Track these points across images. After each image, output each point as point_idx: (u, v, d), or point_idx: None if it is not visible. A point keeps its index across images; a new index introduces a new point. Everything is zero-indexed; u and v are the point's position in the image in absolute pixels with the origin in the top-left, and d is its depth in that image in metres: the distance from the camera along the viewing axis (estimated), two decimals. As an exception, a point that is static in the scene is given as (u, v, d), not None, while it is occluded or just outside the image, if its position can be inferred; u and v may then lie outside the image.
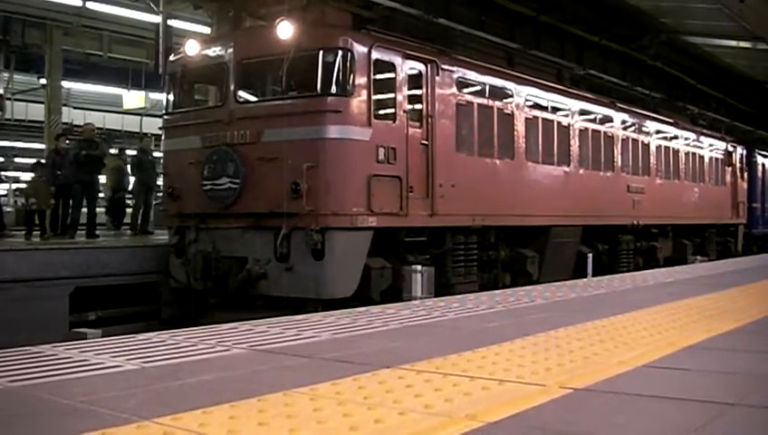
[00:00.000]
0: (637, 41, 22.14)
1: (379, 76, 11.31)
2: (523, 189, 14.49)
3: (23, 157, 40.83)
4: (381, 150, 11.11)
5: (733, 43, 22.56)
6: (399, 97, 11.63)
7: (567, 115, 16.24)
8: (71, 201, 15.75)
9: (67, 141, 17.19)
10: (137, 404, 3.71)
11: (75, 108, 31.41)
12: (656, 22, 21.26)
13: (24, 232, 15.54)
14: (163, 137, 13.33)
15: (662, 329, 6.10)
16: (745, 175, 26.76)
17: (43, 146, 26.45)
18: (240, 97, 11.82)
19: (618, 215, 17.92)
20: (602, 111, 17.94)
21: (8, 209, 24.10)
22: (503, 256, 14.22)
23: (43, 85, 25.71)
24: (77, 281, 11.58)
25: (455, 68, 12.89)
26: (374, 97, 11.10)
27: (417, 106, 12.10)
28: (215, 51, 12.23)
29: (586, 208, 16.50)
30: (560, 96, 16.32)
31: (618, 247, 18.14)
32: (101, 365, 4.68)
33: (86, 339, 6.99)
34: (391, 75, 11.58)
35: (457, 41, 15.68)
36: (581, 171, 16.54)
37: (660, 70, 24.58)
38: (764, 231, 29.50)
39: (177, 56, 12.91)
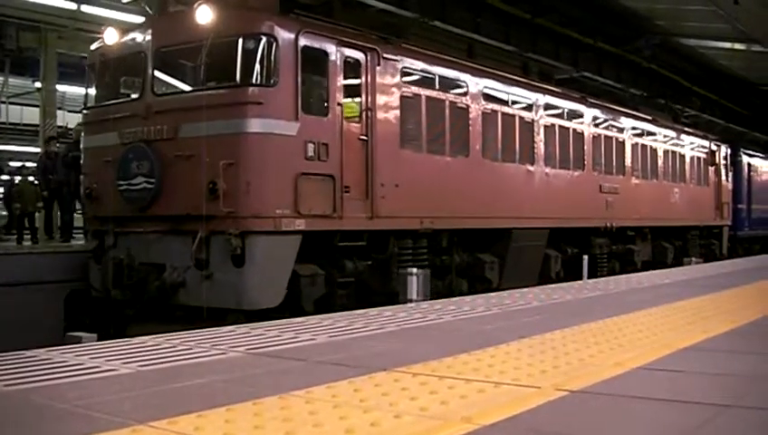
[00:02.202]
0: (632, 43, 22.20)
1: (308, 65, 10.39)
2: (479, 190, 13.48)
3: (18, 160, 40.76)
4: (311, 146, 10.18)
5: (727, 44, 22.67)
6: (333, 88, 10.65)
7: (531, 110, 15.17)
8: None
9: (58, 145, 17.12)
10: (132, 408, 3.70)
11: (70, 111, 31.34)
12: (650, 24, 21.35)
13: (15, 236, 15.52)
14: (83, 134, 12.47)
15: (658, 331, 6.12)
16: (730, 175, 25.93)
17: (38, 149, 26.40)
18: (157, 89, 10.88)
19: (589, 217, 16.95)
20: (571, 105, 16.79)
21: (2, 213, 24.04)
22: (458, 261, 13.33)
23: (38, 89, 25.63)
24: (72, 284, 11.52)
25: (399, 57, 11.90)
26: (302, 88, 10.18)
27: (355, 98, 11.15)
28: (133, 39, 11.28)
29: (553, 210, 15.48)
30: (523, 89, 15.23)
31: (590, 251, 17.02)
32: (97, 369, 4.66)
33: (81, 343, 6.96)
34: (323, 65, 10.60)
35: (414, 30, 15.21)
36: (547, 170, 15.50)
37: (655, 72, 24.66)
38: (751, 233, 28.64)
39: (97, 46, 11.95)
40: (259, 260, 9.64)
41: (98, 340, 7.26)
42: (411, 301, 10.84)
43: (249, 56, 9.94)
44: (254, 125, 9.79)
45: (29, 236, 15.49)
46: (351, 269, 10.89)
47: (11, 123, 32.54)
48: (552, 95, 16.10)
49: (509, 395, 3.90)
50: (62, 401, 3.82)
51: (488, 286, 13.08)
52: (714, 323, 6.60)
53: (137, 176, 10.42)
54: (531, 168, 14.98)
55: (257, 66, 9.92)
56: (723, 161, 24.99)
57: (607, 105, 18.67)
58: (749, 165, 28.75)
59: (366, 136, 11.06)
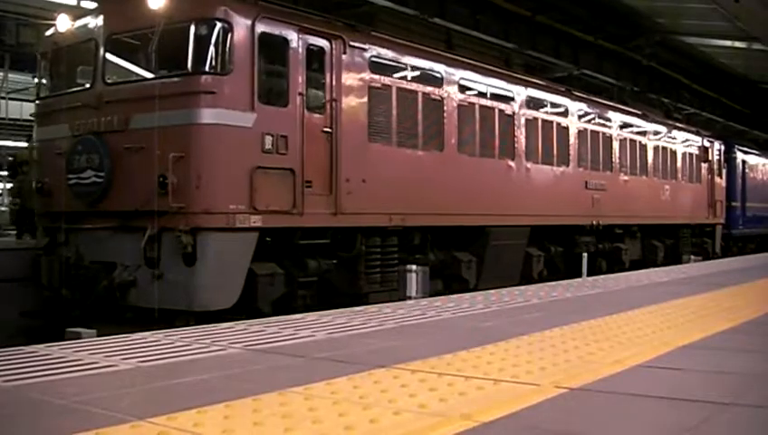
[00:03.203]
0: (632, 41, 22.18)
1: (266, 53, 9.85)
2: (454, 185, 12.75)
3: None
4: (268, 139, 9.62)
5: (728, 43, 22.63)
6: (293, 78, 10.02)
7: (512, 103, 14.44)
8: None
9: None
10: (131, 404, 3.70)
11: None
12: (651, 22, 21.33)
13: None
14: (35, 126, 11.82)
15: (657, 328, 6.12)
16: (724, 172, 25.02)
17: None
18: (109, 78, 10.29)
19: (573, 214, 16.17)
20: (555, 99, 16.02)
21: (2, 209, 24.02)
22: (432, 260, 12.60)
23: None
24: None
25: (367, 46, 11.23)
26: (260, 77, 9.63)
27: (319, 89, 10.55)
28: (85, 26, 10.69)
29: (534, 207, 14.76)
30: (503, 81, 14.46)
31: (575, 250, 16.33)
32: (96, 365, 4.67)
33: (81, 338, 6.97)
34: (283, 52, 10.02)
35: (385, 19, 14.76)
36: (529, 166, 14.78)
37: (655, 70, 24.64)
38: (745, 231, 27.70)
39: (50, 34, 11.33)
40: (211, 259, 9.14)
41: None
42: (410, 298, 10.84)
43: (201, 43, 9.41)
44: (206, 116, 9.27)
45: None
46: (315, 268, 10.35)
47: (11, 119, 32.51)
48: (535, 88, 15.43)
49: (508, 392, 3.90)
50: (61, 396, 3.82)
51: (465, 286, 12.58)
52: (713, 321, 6.61)
53: (86, 169, 9.89)
54: (511, 163, 14.32)
55: (210, 53, 9.38)
56: (716, 158, 24.18)
57: (593, 99, 18.01)
58: (743, 162, 27.82)
59: (330, 128, 10.47)
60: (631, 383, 4.16)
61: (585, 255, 15.19)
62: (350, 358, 4.90)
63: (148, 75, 9.92)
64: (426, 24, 16.05)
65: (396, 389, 3.95)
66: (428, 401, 3.70)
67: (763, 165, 30.50)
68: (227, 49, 9.40)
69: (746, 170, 28.10)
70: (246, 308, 9.30)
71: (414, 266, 11.51)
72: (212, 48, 9.39)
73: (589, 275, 14.81)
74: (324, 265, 10.51)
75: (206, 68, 9.36)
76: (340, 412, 3.46)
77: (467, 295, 9.09)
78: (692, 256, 21.38)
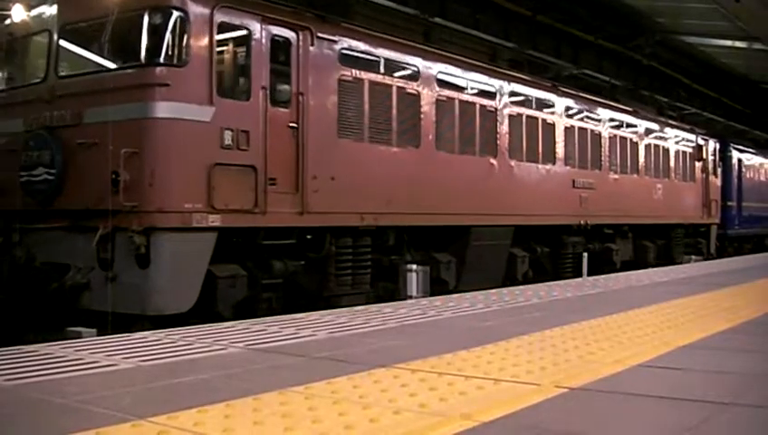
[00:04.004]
0: (632, 40, 22.18)
1: (226, 44, 9.49)
2: (432, 183, 12.22)
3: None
4: (228, 134, 9.20)
5: (728, 42, 22.60)
6: (256, 70, 9.58)
7: (494, 98, 13.86)
8: None
9: None
10: (132, 403, 3.70)
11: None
12: (651, 21, 21.33)
13: None
14: None
15: (657, 328, 6.13)
16: (719, 171, 24.29)
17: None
18: (62, 70, 9.85)
19: (560, 214, 15.60)
20: (541, 94, 15.40)
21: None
22: (408, 261, 12.01)
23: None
24: None
25: (337, 37, 10.71)
26: (219, 69, 9.24)
27: (284, 82, 10.05)
28: (40, 15, 10.24)
29: (518, 206, 14.23)
30: (484, 75, 13.83)
31: (562, 250, 15.81)
32: (97, 364, 4.67)
33: (81, 338, 6.97)
34: (245, 43, 9.62)
35: (360, 11, 14.34)
36: (513, 163, 14.22)
37: (656, 69, 24.64)
38: (741, 232, 27.07)
39: (6, 24, 10.92)
40: (166, 260, 8.67)
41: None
42: (411, 297, 10.83)
43: (156, 32, 8.93)
44: (161, 109, 8.78)
45: None
46: (280, 270, 9.89)
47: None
48: (519, 82, 14.84)
49: (508, 392, 3.91)
50: (62, 396, 3.83)
51: (445, 288, 12.20)
52: (713, 320, 6.62)
53: (37, 166, 9.46)
54: (493, 161, 13.73)
55: (165, 44, 8.89)
56: (711, 157, 23.40)
57: (582, 95, 17.38)
58: (739, 161, 27.24)
59: (297, 123, 9.97)
60: (631, 383, 4.17)
61: (585, 254, 15.08)
62: (350, 357, 4.91)
63: (102, 67, 9.49)
64: (402, 15, 15.67)
65: (396, 388, 3.95)
66: (429, 400, 3.70)
67: (760, 164, 30.05)
68: (183, 39, 8.94)
69: (742, 169, 27.59)
70: (206, 312, 8.83)
71: (414, 266, 11.38)
72: (167, 38, 8.91)
73: (573, 276, 14.41)
74: (291, 267, 10.05)
75: (161, 59, 8.88)
76: (340, 412, 3.47)
77: (468, 295, 9.09)
78: (692, 256, 21.26)
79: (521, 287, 10.45)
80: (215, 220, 8.98)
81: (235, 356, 5.02)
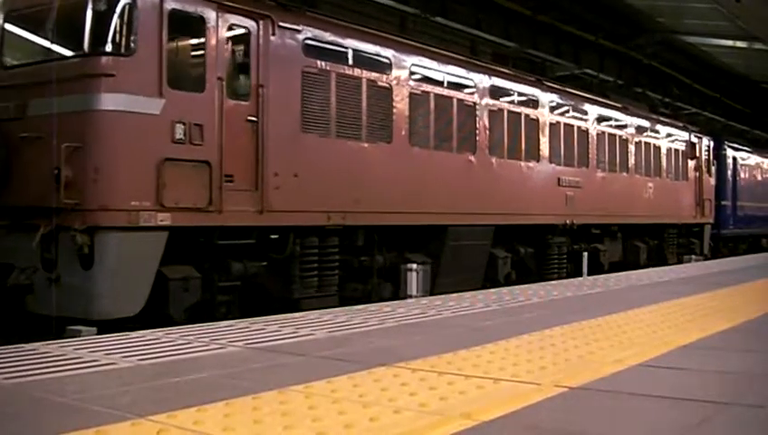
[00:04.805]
0: (633, 40, 22.18)
1: (178, 32, 8.97)
2: (405, 181, 11.73)
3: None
4: (179, 127, 8.70)
5: (729, 42, 22.59)
6: (211, 61, 9.11)
7: (473, 92, 13.34)
8: None
9: None
10: (131, 402, 3.70)
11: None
12: (652, 21, 21.34)
13: None
14: None
15: (657, 328, 6.13)
16: (713, 169, 23.83)
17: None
18: (6, 60, 9.44)
19: (544, 213, 15.06)
20: (523, 89, 14.85)
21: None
22: (381, 262, 11.58)
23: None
24: None
25: (300, 27, 10.20)
26: (170, 59, 8.74)
27: (243, 74, 9.62)
28: None
29: (499, 205, 13.73)
30: (462, 69, 13.29)
31: (548, 251, 15.36)
32: (96, 362, 4.66)
33: (80, 336, 6.96)
34: (199, 32, 9.13)
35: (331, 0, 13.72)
36: (493, 160, 13.71)
37: (656, 69, 24.65)
38: (736, 231, 26.65)
39: None
40: (110, 261, 8.21)
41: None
42: (410, 296, 10.82)
43: (100, 20, 8.45)
44: (105, 101, 8.30)
45: None
46: (239, 271, 9.44)
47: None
48: (500, 77, 14.33)
49: (508, 391, 3.90)
50: (61, 394, 3.82)
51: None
52: (713, 320, 6.61)
53: None
54: (471, 157, 13.19)
55: (111, 31, 8.42)
56: (705, 155, 23.00)
57: (568, 90, 16.85)
58: (734, 159, 26.77)
59: (256, 117, 9.50)
60: (631, 383, 4.16)
61: (585, 254, 15.02)
62: (350, 356, 4.90)
63: (47, 57, 8.98)
64: (375, 5, 15.33)
65: (396, 387, 3.95)
66: (428, 399, 3.70)
67: (756, 162, 29.64)
68: (131, 27, 8.46)
69: (737, 168, 27.18)
70: (157, 316, 8.43)
71: (414, 265, 11.34)
72: (113, 25, 8.44)
73: (560, 278, 14.06)
74: (252, 268, 9.60)
75: (106, 48, 8.41)
76: (339, 411, 3.46)
77: (468, 295, 9.08)
78: (692, 256, 21.19)
79: (521, 287, 10.45)
80: (164, 219, 8.53)
81: (234, 355, 5.01)
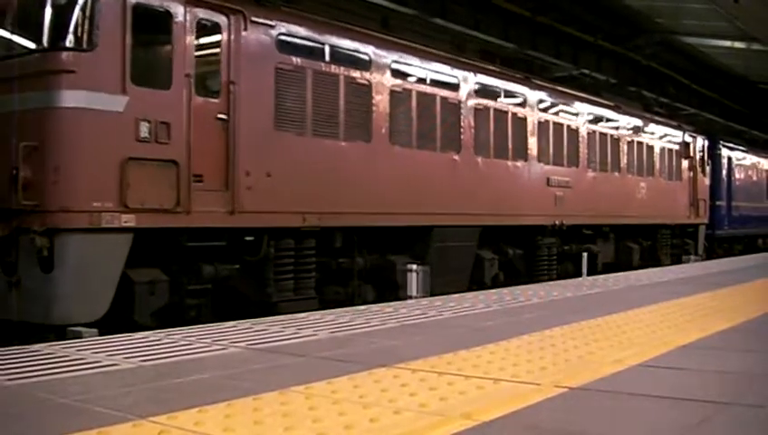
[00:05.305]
0: (632, 41, 22.19)
1: (143, 27, 8.60)
2: (386, 181, 11.40)
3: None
4: (144, 125, 8.40)
5: (727, 43, 22.60)
6: (178, 56, 8.78)
7: (457, 90, 13.01)
8: None
9: None
10: (133, 403, 3.71)
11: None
12: (650, 22, 21.35)
13: None
14: None
15: (656, 328, 6.14)
16: (707, 169, 23.48)
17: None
18: None
19: (532, 213, 14.76)
20: (510, 87, 14.47)
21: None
22: (362, 264, 11.31)
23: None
24: None
25: (274, 22, 9.91)
26: (134, 55, 8.37)
27: (212, 70, 9.33)
28: None
29: (485, 205, 13.40)
30: (446, 66, 12.96)
31: (537, 252, 15.07)
32: (98, 364, 4.68)
33: (82, 337, 6.98)
34: (165, 27, 8.80)
35: None
36: (479, 160, 13.36)
37: (655, 70, 24.66)
38: (731, 232, 26.23)
39: None
40: (71, 264, 7.91)
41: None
42: (411, 297, 10.82)
43: (60, 14, 8.15)
44: (65, 98, 8.00)
45: None
46: (210, 274, 9.15)
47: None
48: (486, 74, 13.95)
49: (508, 392, 3.91)
50: (64, 395, 3.83)
51: (403, 293, 11.36)
52: (713, 320, 6.63)
53: None
54: (456, 157, 12.86)
55: (71, 26, 8.08)
56: (699, 154, 22.70)
57: (558, 88, 16.48)
58: (729, 159, 26.34)
59: (227, 115, 9.19)
60: (631, 383, 4.18)
61: (585, 254, 14.99)
62: (350, 357, 4.91)
63: (6, 52, 8.69)
64: (364, 4, 15.17)
65: (396, 388, 3.96)
66: (429, 400, 3.71)
67: (752, 162, 29.34)
68: (92, 20, 8.11)
69: (733, 167, 26.82)
70: (123, 320, 8.20)
71: (414, 266, 11.32)
72: (73, 19, 8.10)
73: (550, 279, 13.87)
74: (223, 271, 9.31)
75: (66, 43, 8.08)
76: (340, 411, 3.48)
77: (469, 295, 9.10)
78: (692, 256, 21.15)
79: (521, 287, 10.46)
80: (128, 220, 8.22)
81: (235, 356, 5.02)
